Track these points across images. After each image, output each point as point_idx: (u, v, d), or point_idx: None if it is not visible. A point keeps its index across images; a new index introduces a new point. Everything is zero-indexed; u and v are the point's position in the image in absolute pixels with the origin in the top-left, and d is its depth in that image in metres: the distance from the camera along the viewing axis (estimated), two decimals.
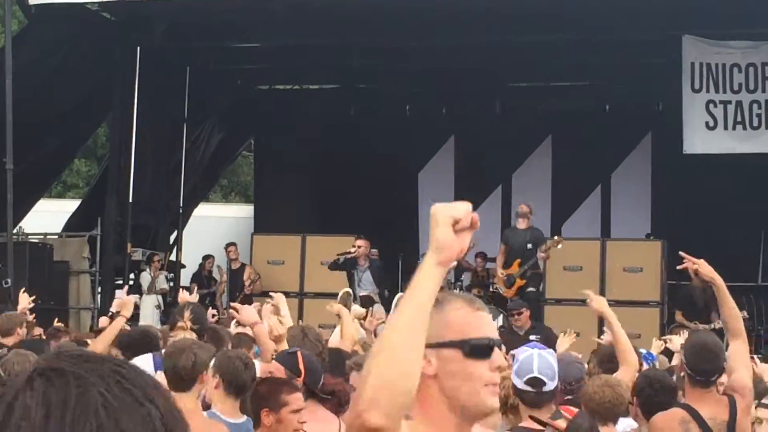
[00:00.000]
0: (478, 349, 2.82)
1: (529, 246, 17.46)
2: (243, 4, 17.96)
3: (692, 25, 18.32)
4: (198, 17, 19.00)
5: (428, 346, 2.66)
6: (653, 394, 6.84)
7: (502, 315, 16.94)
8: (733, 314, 6.55)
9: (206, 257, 21.59)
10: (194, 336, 7.82)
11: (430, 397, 2.81)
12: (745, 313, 18.53)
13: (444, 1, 17.34)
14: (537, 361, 5.57)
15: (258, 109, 24.06)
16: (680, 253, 6.85)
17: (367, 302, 17.02)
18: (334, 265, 18.00)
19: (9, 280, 15.83)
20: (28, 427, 1.43)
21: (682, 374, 6.98)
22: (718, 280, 6.69)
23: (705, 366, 6.19)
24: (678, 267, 6.98)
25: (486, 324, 2.90)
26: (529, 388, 5.52)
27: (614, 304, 19.75)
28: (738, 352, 6.46)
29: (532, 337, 12.59)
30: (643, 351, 9.21)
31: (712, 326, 17.33)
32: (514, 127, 22.65)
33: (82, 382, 1.46)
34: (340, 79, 23.33)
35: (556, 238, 17.65)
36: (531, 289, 17.41)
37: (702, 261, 6.75)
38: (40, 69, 18.31)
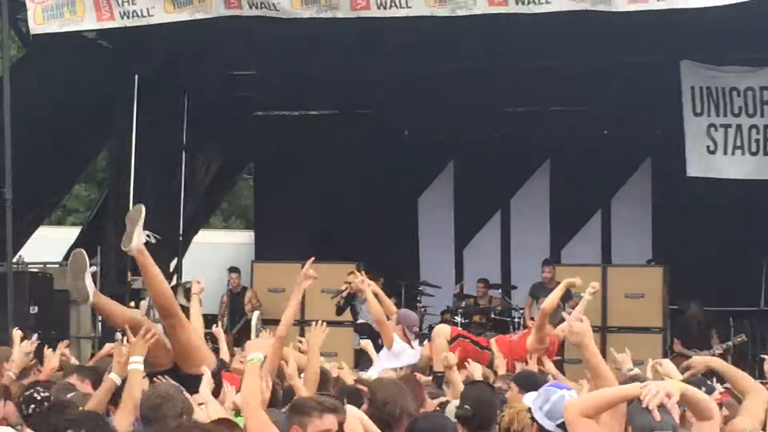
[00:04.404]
0: None
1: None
2: (240, 32, 17.94)
3: (689, 49, 18.34)
4: (196, 45, 19.00)
5: None
6: None
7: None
8: (738, 382, 6.64)
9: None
10: None
11: None
12: (744, 337, 18.49)
13: (442, 27, 17.34)
14: None
15: (257, 136, 24.01)
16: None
17: (362, 330, 17.06)
18: (340, 311, 18.10)
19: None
20: None
21: None
22: (714, 363, 6.83)
23: None
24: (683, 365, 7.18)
25: None
26: (561, 431, 5.51)
27: (616, 330, 19.69)
28: (747, 408, 6.55)
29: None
30: None
31: (712, 352, 17.23)
32: (512, 151, 22.64)
33: None
34: (338, 105, 23.30)
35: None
36: None
37: (693, 358, 6.92)
38: (39, 98, 18.26)
